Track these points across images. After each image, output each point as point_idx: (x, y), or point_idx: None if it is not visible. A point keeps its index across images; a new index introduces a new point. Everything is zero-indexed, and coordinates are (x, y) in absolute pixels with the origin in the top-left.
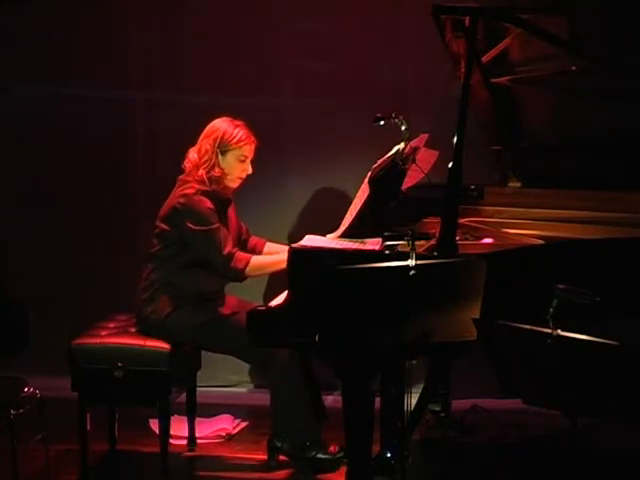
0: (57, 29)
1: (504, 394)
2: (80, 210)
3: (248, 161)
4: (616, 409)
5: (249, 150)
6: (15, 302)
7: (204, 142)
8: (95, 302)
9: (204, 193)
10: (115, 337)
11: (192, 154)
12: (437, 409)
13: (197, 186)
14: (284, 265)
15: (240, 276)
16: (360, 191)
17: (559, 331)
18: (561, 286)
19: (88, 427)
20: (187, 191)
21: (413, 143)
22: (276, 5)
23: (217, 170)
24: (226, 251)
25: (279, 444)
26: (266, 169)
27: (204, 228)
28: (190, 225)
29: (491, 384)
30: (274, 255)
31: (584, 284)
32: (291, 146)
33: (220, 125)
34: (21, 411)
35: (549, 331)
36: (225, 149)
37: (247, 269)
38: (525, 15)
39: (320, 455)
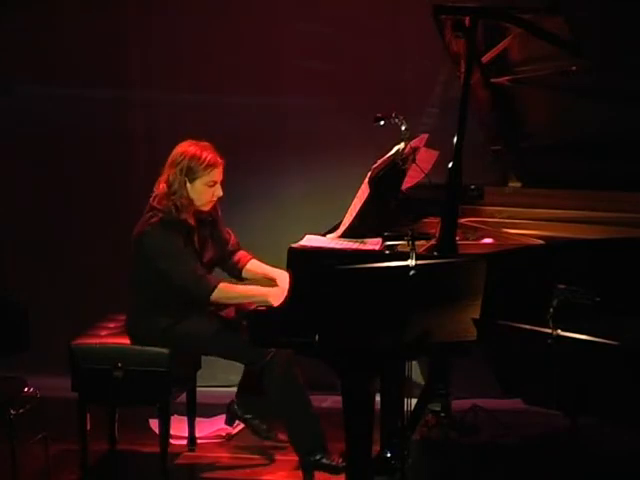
0: (57, 29)
1: (504, 394)
2: (80, 210)
3: (218, 185)
4: (616, 409)
5: (217, 174)
6: (15, 302)
7: (171, 172)
8: (95, 302)
9: (168, 223)
10: (115, 337)
11: (161, 184)
12: (437, 409)
13: (162, 215)
14: (259, 299)
15: (205, 299)
16: (360, 191)
17: (559, 331)
18: (561, 286)
19: (88, 427)
20: (152, 220)
21: (413, 143)
22: (276, 5)
23: (186, 199)
24: (192, 274)
25: (239, 412)
26: (266, 169)
27: (166, 257)
28: (153, 254)
29: (491, 384)
30: (248, 286)
31: (584, 284)
32: (291, 146)
33: (185, 152)
34: (21, 411)
35: (549, 331)
36: (193, 177)
37: (213, 294)
38: (525, 15)
39: (324, 461)
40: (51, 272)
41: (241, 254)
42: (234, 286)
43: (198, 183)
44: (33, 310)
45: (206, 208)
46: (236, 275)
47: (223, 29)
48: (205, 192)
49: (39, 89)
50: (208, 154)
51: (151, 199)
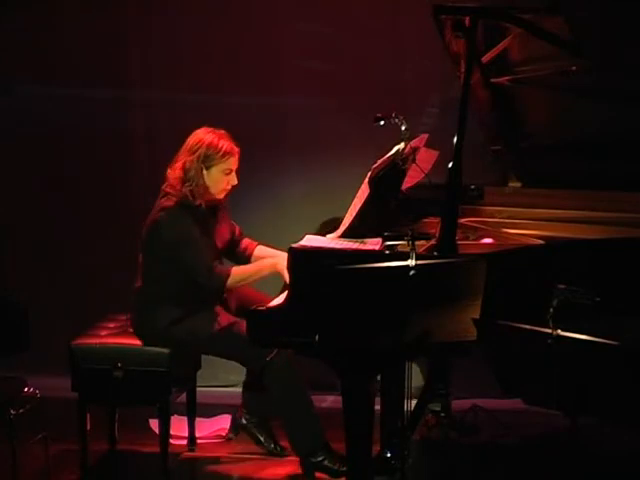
0: (57, 29)
1: (504, 394)
2: (80, 210)
3: (233, 173)
4: (616, 409)
5: (234, 162)
6: (15, 302)
7: (188, 158)
8: (95, 302)
9: (184, 207)
10: (115, 337)
11: (177, 170)
12: (437, 409)
13: (177, 200)
14: (269, 271)
15: (222, 289)
16: (360, 191)
17: (559, 331)
18: (561, 286)
19: (88, 427)
20: (167, 203)
21: (413, 143)
22: (276, 5)
23: (201, 187)
24: (203, 267)
25: (244, 422)
26: (266, 169)
27: (180, 244)
28: (166, 239)
29: (491, 384)
30: (256, 263)
31: (584, 284)
32: (291, 146)
33: (203, 139)
34: (21, 411)
35: (549, 331)
36: (210, 164)
37: (228, 282)
38: (525, 15)
39: (326, 463)
40: (51, 272)
41: (247, 242)
42: (244, 267)
43: (214, 171)
44: (33, 310)
45: (220, 196)
46: (244, 263)
47: (223, 29)
48: (221, 180)
49: (39, 89)
50: (225, 142)
51: (164, 186)
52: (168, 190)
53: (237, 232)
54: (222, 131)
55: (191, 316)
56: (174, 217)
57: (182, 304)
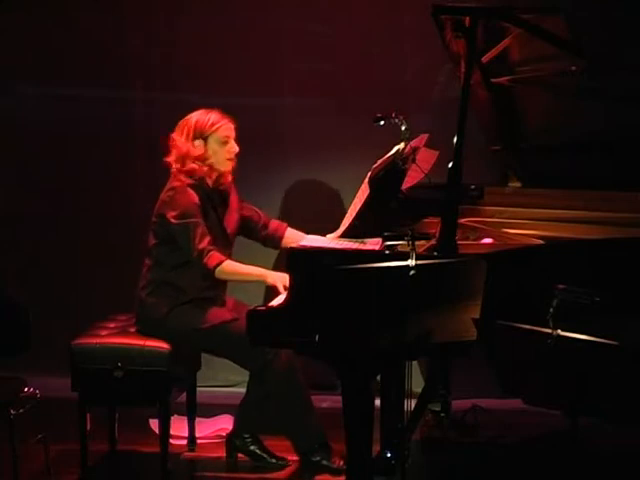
0: (57, 29)
1: (504, 394)
2: (80, 210)
3: (231, 141)
4: (616, 409)
5: (228, 130)
6: (15, 302)
7: (178, 139)
8: (95, 302)
9: (191, 186)
10: (115, 337)
11: (174, 154)
12: (437, 409)
13: (184, 179)
14: (257, 279)
15: (209, 274)
16: (360, 191)
17: (559, 331)
18: (561, 286)
19: (88, 427)
20: (174, 183)
21: (413, 143)
22: (276, 5)
23: (202, 162)
24: (200, 247)
25: (238, 442)
26: (266, 169)
27: (182, 221)
28: (169, 217)
29: (491, 384)
30: (250, 266)
31: (584, 284)
32: (291, 146)
33: (190, 117)
34: (21, 411)
35: (549, 331)
36: (204, 136)
37: (217, 270)
38: (525, 15)
39: (324, 462)
40: (51, 272)
41: (276, 224)
42: (238, 265)
43: (211, 142)
44: (33, 310)
45: (226, 168)
46: (275, 245)
47: (223, 29)
48: (220, 150)
49: (39, 89)
50: (212, 114)
51: (176, 172)
52: (174, 171)
53: (262, 216)
54: (214, 108)
55: (187, 304)
56: (181, 194)
57: (180, 292)
